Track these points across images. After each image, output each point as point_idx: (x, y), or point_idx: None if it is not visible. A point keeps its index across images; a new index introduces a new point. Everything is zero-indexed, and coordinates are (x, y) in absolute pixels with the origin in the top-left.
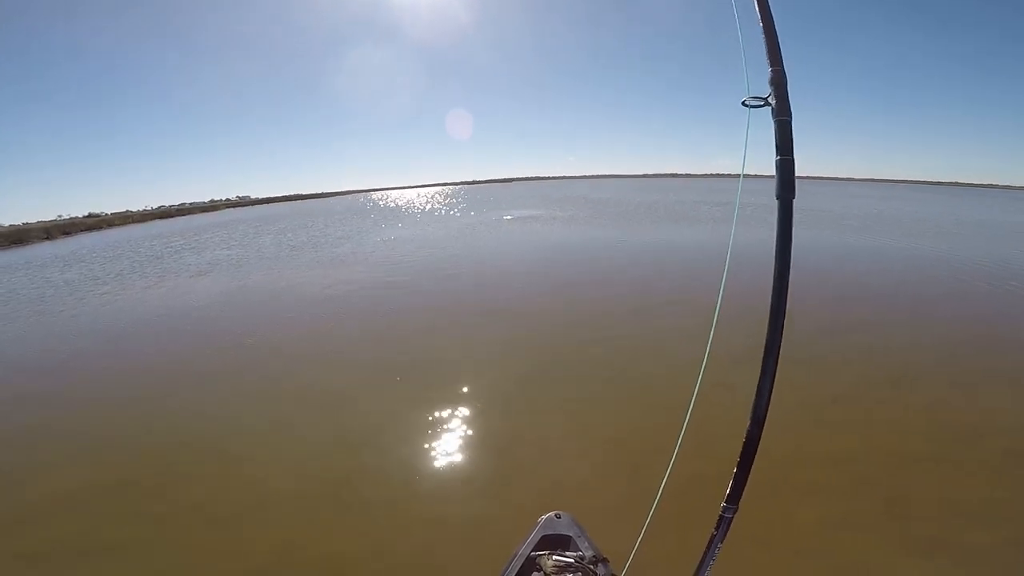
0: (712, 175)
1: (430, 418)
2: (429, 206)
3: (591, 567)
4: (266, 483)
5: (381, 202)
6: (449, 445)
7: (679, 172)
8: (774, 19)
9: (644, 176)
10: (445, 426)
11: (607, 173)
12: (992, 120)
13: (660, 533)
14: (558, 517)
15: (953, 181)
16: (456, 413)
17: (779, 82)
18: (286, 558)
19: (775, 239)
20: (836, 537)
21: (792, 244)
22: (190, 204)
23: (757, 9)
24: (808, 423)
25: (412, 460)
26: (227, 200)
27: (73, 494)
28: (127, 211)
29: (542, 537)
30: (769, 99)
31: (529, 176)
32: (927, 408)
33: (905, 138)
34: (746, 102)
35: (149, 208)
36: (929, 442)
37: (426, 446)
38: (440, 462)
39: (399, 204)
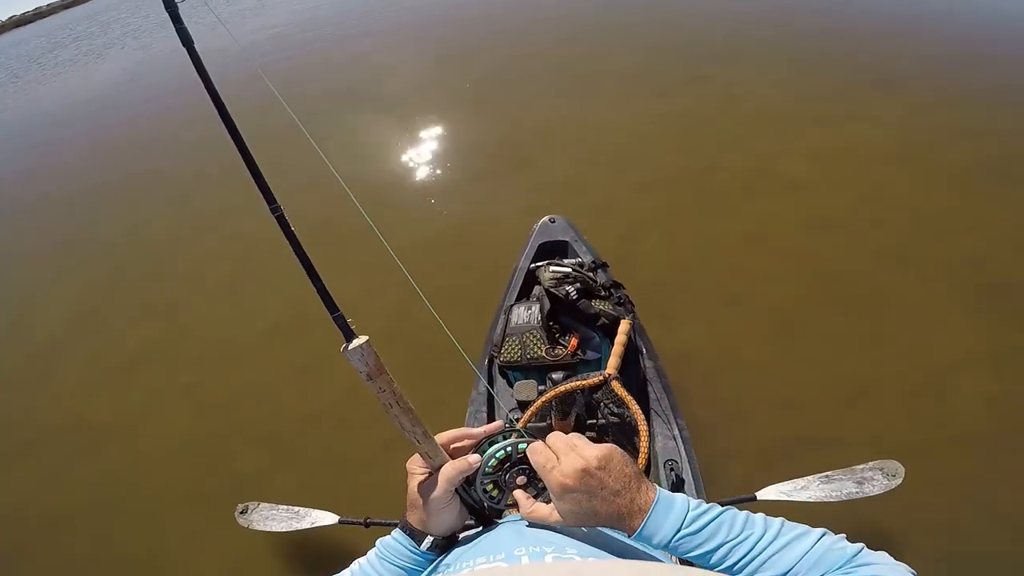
0: None
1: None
2: None
3: (589, 275)
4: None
5: None
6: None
7: None
8: None
9: None
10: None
11: None
12: None
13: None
14: (552, 221)
15: None
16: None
17: None
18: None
19: None
20: (814, 236)
21: None
22: (47, 6)
23: None
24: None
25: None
26: None
27: None
28: None
29: (539, 245)
30: None
31: None
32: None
33: None
34: None
35: None
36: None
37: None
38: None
39: None
